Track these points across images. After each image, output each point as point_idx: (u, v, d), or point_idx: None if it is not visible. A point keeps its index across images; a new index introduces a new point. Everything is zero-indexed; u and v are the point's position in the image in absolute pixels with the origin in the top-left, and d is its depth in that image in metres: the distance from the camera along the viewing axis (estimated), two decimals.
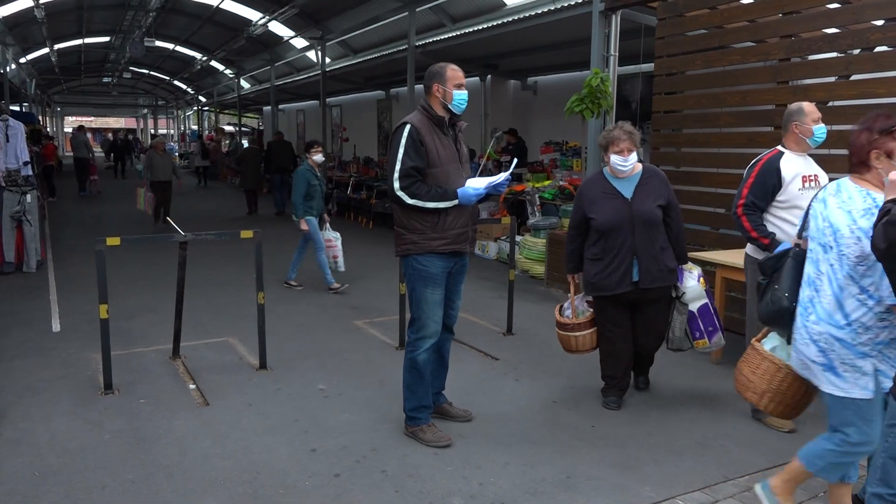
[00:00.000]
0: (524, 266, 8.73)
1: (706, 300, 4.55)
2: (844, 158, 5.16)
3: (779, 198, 4.15)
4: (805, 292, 2.97)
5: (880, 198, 2.58)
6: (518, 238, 8.81)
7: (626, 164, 4.31)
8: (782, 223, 4.13)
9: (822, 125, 4.16)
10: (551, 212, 9.32)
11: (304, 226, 7.82)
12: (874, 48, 5.15)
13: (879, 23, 5.13)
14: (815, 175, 4.17)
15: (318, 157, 8.03)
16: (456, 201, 3.83)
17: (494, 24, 10.88)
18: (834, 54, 5.44)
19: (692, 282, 4.48)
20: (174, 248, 5.23)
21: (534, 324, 6.56)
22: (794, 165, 4.15)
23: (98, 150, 30.67)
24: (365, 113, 20.92)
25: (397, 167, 3.78)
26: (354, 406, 4.50)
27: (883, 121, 2.77)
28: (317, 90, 18.17)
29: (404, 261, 3.99)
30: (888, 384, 2.69)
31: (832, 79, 5.44)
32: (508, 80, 15.01)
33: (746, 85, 6.10)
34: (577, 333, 4.59)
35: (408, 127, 3.82)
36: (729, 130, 6.29)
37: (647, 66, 7.37)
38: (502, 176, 3.94)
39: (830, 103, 5.48)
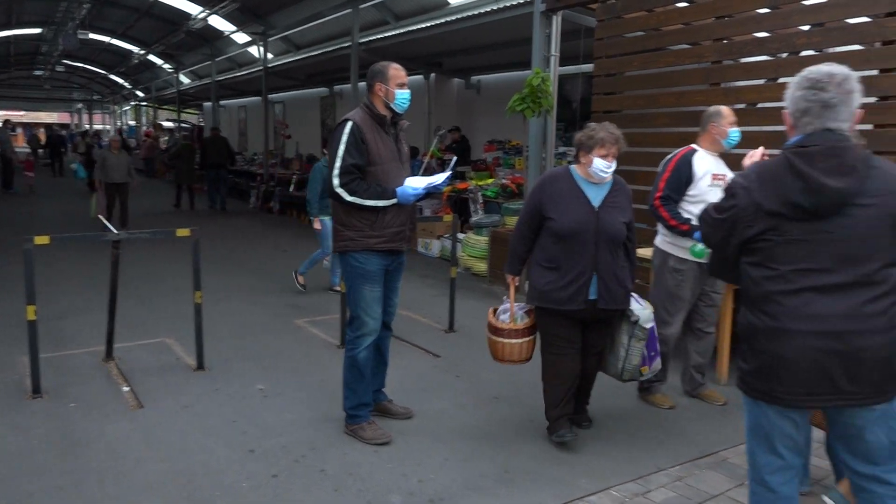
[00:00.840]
0: (467, 264, 8.78)
1: (654, 323, 4.15)
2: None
3: (689, 192, 4.36)
4: None
5: None
6: (461, 236, 8.87)
7: (609, 170, 3.83)
8: (691, 217, 4.31)
9: (737, 128, 4.38)
10: (494, 210, 9.41)
11: (317, 225, 7.55)
12: (800, 52, 5.35)
13: (806, 28, 5.33)
14: (724, 175, 4.38)
15: None
16: (395, 200, 3.84)
17: (438, 22, 10.91)
18: (763, 57, 5.63)
19: (637, 305, 4.03)
20: (108, 248, 5.08)
21: (476, 321, 6.59)
22: (706, 163, 4.37)
23: (23, 147, 29.35)
24: (308, 110, 20.71)
25: (337, 164, 3.78)
26: (294, 405, 4.46)
27: None
28: (259, 86, 17.92)
29: (342, 258, 3.99)
30: None
31: (761, 81, 5.63)
32: (452, 78, 15.07)
33: (681, 86, 6.26)
34: (512, 340, 4.05)
35: (349, 124, 3.82)
36: (665, 130, 6.45)
37: (588, 67, 7.50)
38: (441, 176, 3.98)
39: (759, 105, 5.67)
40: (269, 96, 18.43)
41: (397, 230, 3.93)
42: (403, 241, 4.01)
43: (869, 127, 4.86)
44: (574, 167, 3.96)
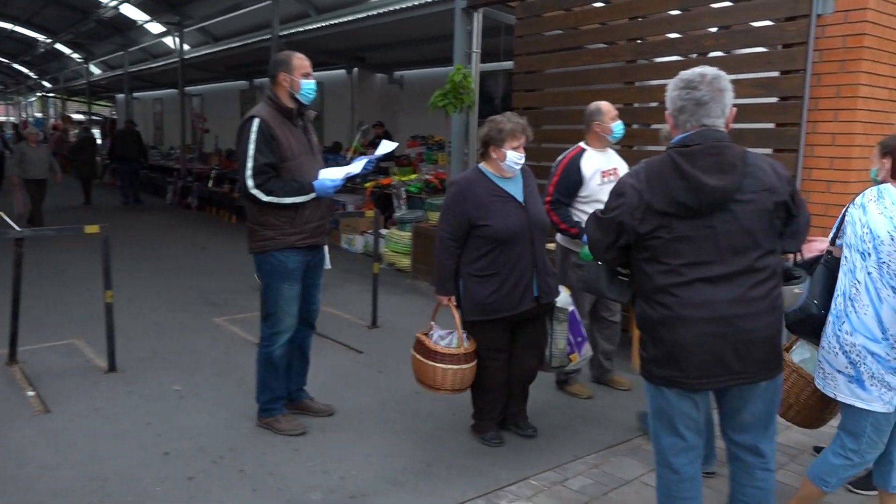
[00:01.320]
0: (390, 259, 8.76)
1: (573, 307, 4.15)
2: None
3: (581, 193, 4.47)
4: (839, 301, 2.80)
5: None
6: (384, 231, 8.84)
7: (521, 161, 3.76)
8: (585, 216, 4.35)
9: (620, 122, 4.55)
10: (417, 205, 9.41)
11: None
12: (708, 53, 5.56)
13: (714, 30, 5.55)
14: (615, 168, 4.55)
15: None
16: (313, 194, 3.78)
17: (360, 16, 10.83)
18: (675, 58, 5.83)
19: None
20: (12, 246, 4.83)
21: (399, 316, 6.60)
22: (594, 162, 4.50)
23: None
24: (227, 103, 20.20)
25: (249, 164, 3.64)
26: (212, 405, 4.35)
27: None
28: (175, 78, 17.35)
29: (258, 257, 3.88)
30: None
31: None
32: (375, 73, 14.99)
33: (598, 84, 6.41)
34: (460, 367, 3.72)
35: (256, 121, 3.68)
36: (583, 127, 6.58)
37: (508, 64, 7.59)
38: (359, 165, 3.92)
39: None
40: (186, 89, 17.86)
41: (317, 224, 3.88)
42: (324, 234, 3.96)
43: (770, 126, 5.11)
44: (483, 165, 3.83)
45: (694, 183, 2.35)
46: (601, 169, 4.50)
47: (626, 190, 2.49)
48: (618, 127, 4.53)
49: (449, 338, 3.81)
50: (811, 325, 2.96)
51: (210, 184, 14.27)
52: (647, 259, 2.48)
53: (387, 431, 4.06)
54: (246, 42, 14.79)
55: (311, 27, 12.33)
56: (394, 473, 3.56)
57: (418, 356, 3.83)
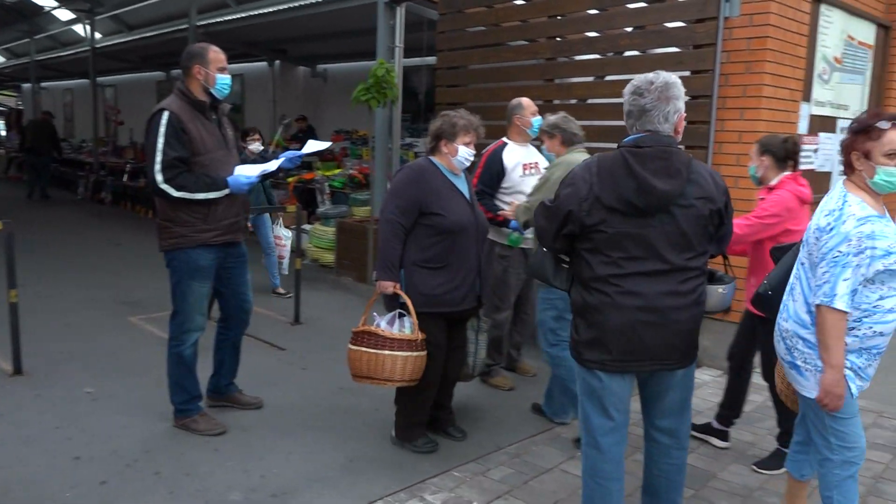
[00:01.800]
0: (314, 255, 8.66)
1: None
2: (603, 151, 5.67)
3: (503, 185, 4.65)
4: (787, 290, 2.84)
5: (854, 199, 2.57)
6: (308, 227, 8.73)
7: (472, 157, 3.73)
8: (508, 207, 4.55)
9: (539, 117, 4.66)
10: (341, 200, 9.34)
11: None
12: (624, 53, 5.73)
13: (629, 30, 5.72)
14: (536, 162, 4.72)
15: (256, 147, 6.92)
16: (227, 190, 3.69)
17: (281, 8, 10.60)
18: (593, 56, 5.98)
19: None
20: None
21: (323, 313, 6.54)
22: (516, 155, 4.66)
23: None
24: (143, 95, 19.45)
25: (158, 158, 3.53)
26: (127, 407, 4.21)
27: (861, 121, 2.63)
28: (86, 68, 16.60)
29: (169, 255, 3.77)
30: (856, 389, 2.62)
31: (591, 78, 5.98)
32: (298, 66, 14.74)
33: (519, 81, 6.51)
34: (413, 353, 3.53)
35: (166, 114, 3.57)
36: (503, 123, 6.66)
37: (432, 60, 7.61)
38: (275, 163, 3.87)
39: (589, 101, 6.02)
40: (99, 79, 17.13)
41: (232, 221, 3.80)
42: (239, 231, 3.89)
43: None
44: (435, 159, 3.73)
45: (643, 184, 2.50)
46: (522, 162, 4.64)
47: (576, 181, 2.61)
48: (536, 121, 4.64)
49: (397, 323, 3.61)
50: (761, 306, 3.07)
51: (125, 178, 13.74)
52: (589, 249, 2.62)
53: (309, 428, 4.03)
54: (161, 31, 14.27)
55: (230, 17, 11.99)
56: (315, 470, 3.54)
57: (365, 349, 3.57)
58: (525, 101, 4.74)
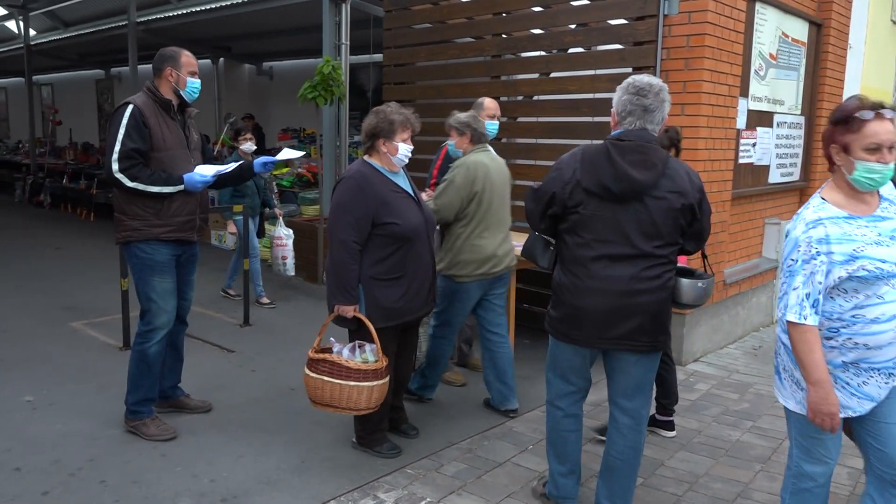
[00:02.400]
0: (263, 255, 8.53)
1: None
2: (550, 148, 5.70)
3: None
4: None
5: (816, 201, 2.42)
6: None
7: (410, 154, 3.57)
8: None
9: (495, 122, 4.68)
10: (290, 199, 9.24)
11: (231, 228, 6.79)
12: (568, 49, 5.81)
13: (573, 27, 5.79)
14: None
15: (248, 146, 6.74)
16: (181, 187, 3.69)
17: (224, 4, 10.42)
18: (538, 53, 6.03)
19: None
20: None
21: (272, 313, 6.47)
22: None
23: None
24: (82, 93, 18.90)
25: (116, 148, 3.58)
26: (69, 416, 4.10)
27: (841, 109, 2.40)
28: (21, 66, 16.03)
29: (126, 249, 3.77)
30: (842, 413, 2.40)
31: (536, 75, 6.04)
32: (243, 63, 14.53)
33: (465, 78, 6.54)
34: (377, 383, 3.39)
35: (130, 107, 3.64)
36: None
37: (379, 57, 7.58)
38: (232, 164, 3.92)
39: (535, 97, 6.08)
40: (35, 77, 16.57)
41: (186, 219, 3.78)
42: (193, 230, 3.84)
43: None
44: (372, 160, 3.54)
45: (621, 172, 2.74)
46: None
47: (562, 166, 2.90)
48: (490, 126, 4.56)
49: (358, 352, 3.45)
50: None
51: (65, 180, 13.34)
52: (566, 230, 2.90)
53: (259, 430, 3.98)
54: (99, 28, 13.88)
55: (171, 14, 11.73)
56: (266, 472, 3.50)
57: (328, 378, 3.38)
58: (487, 101, 4.69)
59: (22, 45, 15.61)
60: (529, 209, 3.00)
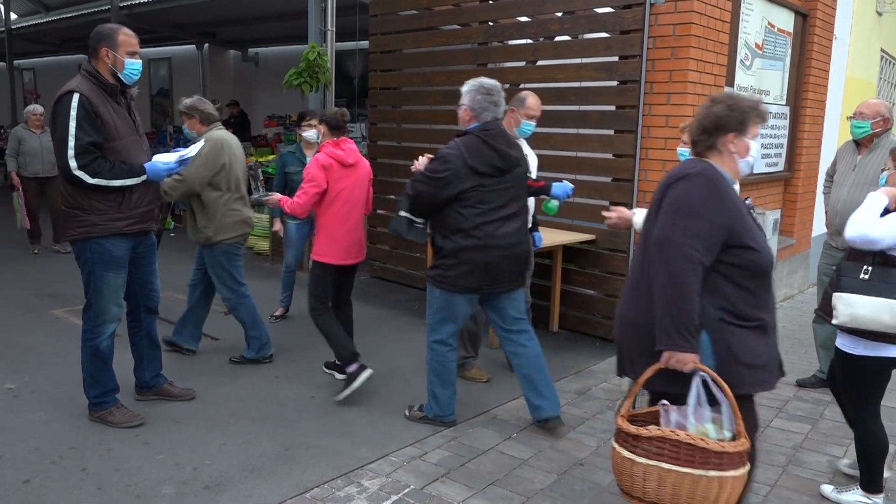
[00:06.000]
0: (249, 243, 8.50)
1: None
2: (535, 136, 5.68)
3: None
4: None
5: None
6: None
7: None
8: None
9: (532, 123, 4.48)
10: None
11: (276, 226, 6.07)
12: (555, 38, 5.79)
13: (560, 14, 5.77)
14: (525, 155, 4.55)
15: (310, 134, 5.59)
16: (144, 177, 3.57)
17: None
18: (525, 41, 6.01)
19: None
20: None
21: (256, 301, 6.40)
22: None
23: None
24: (64, 78, 18.16)
25: (71, 143, 3.38)
26: (51, 404, 4.06)
27: None
28: (2, 50, 15.79)
29: (80, 244, 3.62)
30: None
31: (522, 63, 6.02)
32: (228, 50, 14.39)
33: (452, 66, 6.51)
34: (737, 473, 2.30)
35: (76, 96, 3.40)
36: (438, 108, 6.67)
37: (365, 43, 7.53)
38: (194, 148, 3.80)
39: (522, 85, 6.06)
40: (16, 62, 16.31)
41: (146, 209, 3.69)
42: (153, 220, 3.78)
43: (611, 108, 5.40)
44: (716, 163, 2.51)
45: (503, 153, 3.64)
46: None
47: (451, 158, 3.57)
48: (527, 126, 4.46)
49: (705, 423, 2.35)
50: None
51: None
52: (466, 205, 3.59)
53: (243, 418, 3.97)
54: (82, 12, 13.69)
55: None
56: (250, 460, 3.49)
57: (670, 465, 2.29)
58: (532, 100, 4.43)
59: (3, 29, 15.37)
60: (424, 192, 3.61)
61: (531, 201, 4.52)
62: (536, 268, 5.06)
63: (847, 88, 8.17)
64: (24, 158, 7.96)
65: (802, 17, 6.75)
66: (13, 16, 15.69)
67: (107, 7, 11.93)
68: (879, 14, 8.97)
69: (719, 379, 2.34)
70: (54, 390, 4.25)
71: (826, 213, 4.75)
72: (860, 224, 2.92)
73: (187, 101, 4.60)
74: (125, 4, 11.64)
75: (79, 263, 3.69)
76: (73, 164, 3.40)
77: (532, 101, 4.45)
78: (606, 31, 5.43)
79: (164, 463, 3.43)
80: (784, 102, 6.71)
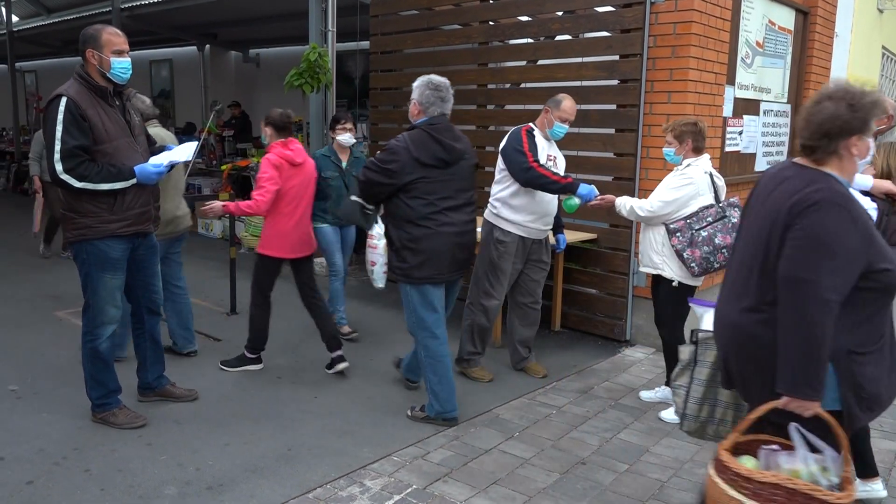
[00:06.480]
0: (249, 244, 8.52)
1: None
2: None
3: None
4: None
5: None
6: None
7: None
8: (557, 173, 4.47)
9: (565, 126, 4.47)
10: None
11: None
12: (555, 37, 5.79)
13: (560, 14, 5.77)
14: (555, 156, 4.58)
15: (345, 138, 5.31)
16: (134, 180, 3.56)
17: None
18: (525, 40, 6.01)
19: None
20: None
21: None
22: (542, 143, 4.48)
23: None
24: (66, 81, 18.62)
25: (57, 147, 3.38)
26: (54, 405, 4.07)
27: None
28: (3, 52, 15.82)
29: (77, 247, 3.63)
30: None
31: (523, 63, 6.02)
32: (229, 51, 14.40)
33: (453, 66, 6.51)
34: None
35: (63, 100, 3.40)
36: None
37: (366, 44, 7.53)
38: (185, 152, 3.79)
39: (522, 85, 6.07)
40: (18, 64, 16.34)
41: (141, 211, 3.68)
42: (150, 221, 3.77)
43: (612, 107, 5.40)
44: (836, 173, 2.25)
45: (447, 146, 3.76)
46: (546, 151, 4.49)
47: (399, 150, 3.72)
48: (560, 128, 4.47)
49: (811, 465, 2.18)
50: None
51: None
52: (413, 196, 3.73)
53: (246, 419, 3.98)
54: (83, 14, 13.71)
55: (156, 0, 11.61)
56: (253, 460, 3.50)
57: None
58: (567, 103, 4.44)
59: (4, 32, 15.40)
60: (374, 180, 3.76)
61: (553, 203, 4.56)
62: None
63: None
64: (46, 163, 7.78)
65: (803, 15, 6.74)
66: (14, 18, 15.72)
67: (108, 9, 11.95)
68: (880, 11, 8.97)
69: (839, 427, 2.17)
70: (57, 391, 4.27)
71: None
72: None
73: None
74: (126, 6, 11.66)
75: (77, 265, 3.72)
76: (59, 167, 3.40)
77: (567, 104, 4.45)
78: (607, 30, 5.43)
79: (166, 463, 3.44)
80: (785, 100, 6.70)
